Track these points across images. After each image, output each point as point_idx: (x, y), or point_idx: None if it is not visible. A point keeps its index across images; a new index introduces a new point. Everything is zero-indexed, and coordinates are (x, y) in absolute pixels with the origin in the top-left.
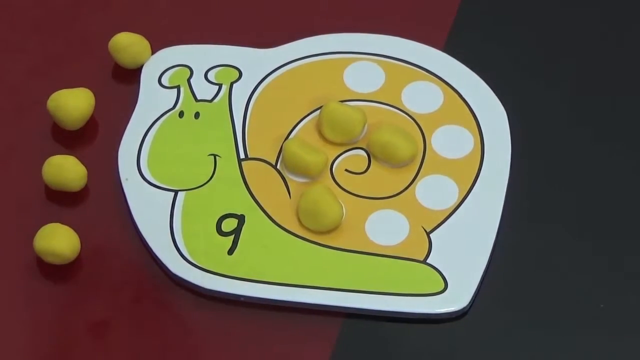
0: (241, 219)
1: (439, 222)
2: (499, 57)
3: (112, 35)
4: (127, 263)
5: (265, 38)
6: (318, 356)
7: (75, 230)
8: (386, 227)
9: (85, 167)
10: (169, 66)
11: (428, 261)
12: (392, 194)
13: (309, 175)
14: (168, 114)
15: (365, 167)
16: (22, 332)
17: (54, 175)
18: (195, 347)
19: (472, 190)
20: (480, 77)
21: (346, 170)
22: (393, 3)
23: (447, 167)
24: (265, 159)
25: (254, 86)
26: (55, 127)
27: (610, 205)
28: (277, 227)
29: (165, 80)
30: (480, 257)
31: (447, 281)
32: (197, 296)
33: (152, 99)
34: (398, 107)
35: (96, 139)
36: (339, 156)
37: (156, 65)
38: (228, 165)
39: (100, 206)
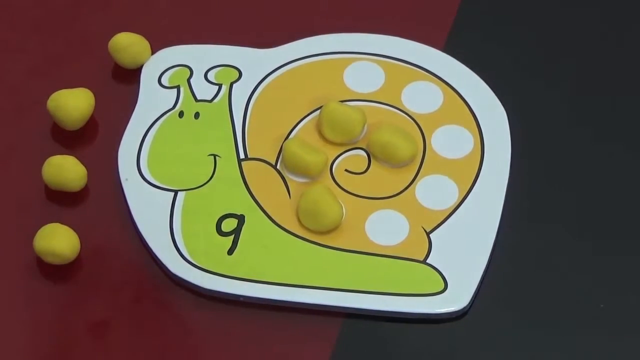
0: (241, 219)
1: (439, 222)
2: (499, 57)
3: (112, 35)
4: (127, 263)
5: (265, 38)
6: (318, 356)
7: (75, 230)
8: (386, 227)
9: (85, 167)
10: (168, 66)
11: (428, 261)
12: (392, 194)
13: (309, 175)
14: (168, 114)
15: (365, 167)
16: (22, 332)
17: (54, 175)
18: (195, 347)
19: (472, 190)
20: (480, 77)
21: (346, 170)
22: (393, 3)
23: (447, 167)
24: (265, 159)
25: (254, 86)
26: (55, 127)
27: (610, 205)
28: (277, 227)
29: (165, 80)
30: (480, 257)
31: (447, 281)
32: (197, 296)
33: (152, 99)
34: (398, 107)
35: (96, 139)
36: (339, 156)
37: (156, 65)
38: (228, 165)
39: (100, 206)
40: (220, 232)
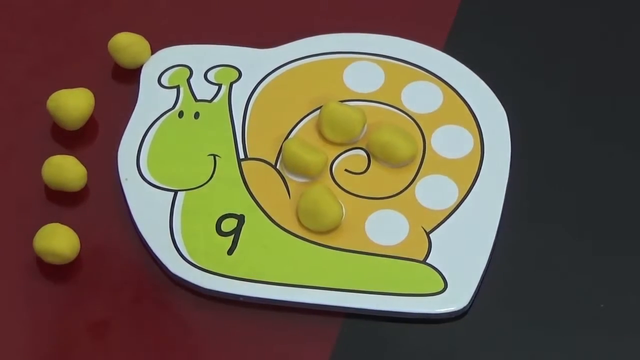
0: (241, 219)
1: (439, 222)
2: (499, 57)
3: (112, 35)
4: (127, 263)
5: (265, 38)
6: (318, 356)
7: (75, 230)
8: (386, 227)
9: (85, 167)
10: (168, 66)
11: (428, 261)
12: (392, 194)
13: (309, 175)
14: (168, 114)
15: (365, 167)
16: (22, 332)
17: (54, 175)
18: (195, 347)
19: (472, 190)
20: (480, 77)
21: (346, 170)
22: (393, 3)
23: (447, 167)
24: (265, 159)
25: (253, 86)
26: (55, 127)
27: (610, 205)
28: (277, 227)
29: (165, 80)
30: (480, 257)
31: (447, 281)
32: (197, 296)
33: (151, 99)
34: (398, 107)
35: (96, 139)
36: (338, 156)
37: (156, 65)
38: (228, 165)
39: (100, 206)
40: (220, 232)
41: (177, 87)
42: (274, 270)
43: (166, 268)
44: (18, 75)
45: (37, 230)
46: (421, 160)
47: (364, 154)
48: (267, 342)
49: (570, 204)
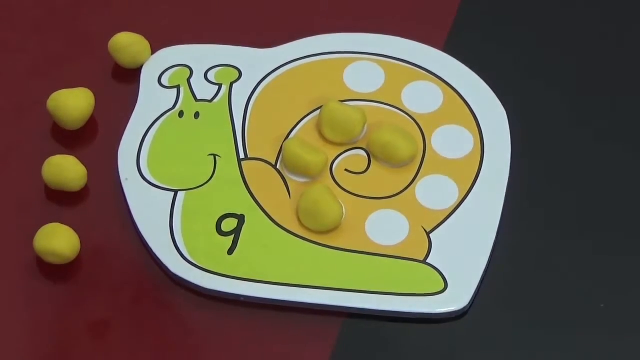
0: (241, 219)
1: (439, 222)
2: (499, 57)
3: (112, 35)
4: (127, 263)
5: (265, 38)
6: (318, 356)
7: (75, 230)
8: (386, 227)
9: (85, 167)
10: (169, 66)
11: (428, 261)
12: (392, 194)
13: (309, 175)
14: (168, 113)
15: (365, 167)
16: (22, 332)
17: (54, 175)
18: (195, 347)
19: (472, 190)
20: (480, 77)
21: (346, 170)
22: (393, 3)
23: (447, 167)
24: (265, 159)
25: (253, 86)
26: (55, 127)
27: (611, 205)
28: (277, 227)
29: (165, 80)
30: (480, 257)
31: (447, 281)
32: (197, 296)
33: (152, 99)
34: (398, 107)
35: (96, 139)
36: (339, 156)
37: (156, 65)
38: (228, 165)
39: (100, 206)
40: (220, 232)
41: (178, 87)
42: (274, 270)
43: (166, 268)
44: (18, 75)
45: (37, 230)
46: (421, 160)
47: (364, 154)
48: (267, 342)
49: (570, 203)
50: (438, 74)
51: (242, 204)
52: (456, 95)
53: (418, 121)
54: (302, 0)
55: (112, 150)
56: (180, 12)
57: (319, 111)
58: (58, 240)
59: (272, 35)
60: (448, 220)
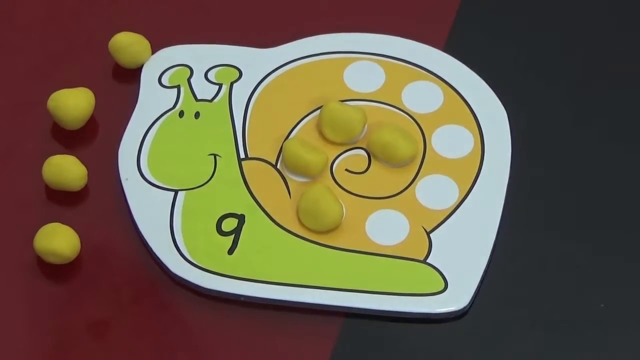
0: (241, 218)
1: (439, 222)
2: (499, 57)
3: (112, 35)
4: (127, 263)
5: (265, 38)
6: (318, 356)
7: (75, 230)
8: (386, 227)
9: (85, 167)
10: (169, 66)
11: (428, 261)
12: (392, 194)
13: (309, 175)
14: (168, 113)
15: (366, 167)
16: (22, 332)
17: (54, 175)
18: (195, 347)
19: (472, 190)
20: (480, 77)
21: (346, 170)
22: (393, 3)
23: (447, 167)
24: (266, 158)
25: (254, 86)
26: (55, 127)
27: (611, 205)
28: (277, 226)
29: (165, 80)
30: (480, 257)
31: (447, 281)
32: (197, 296)
33: (152, 99)
34: (398, 107)
35: (96, 139)
36: (339, 156)
37: (156, 65)
38: (228, 165)
39: (100, 206)
40: (220, 231)
41: (178, 87)
42: (274, 270)
43: (166, 268)
44: (18, 75)
45: (37, 230)
46: (421, 160)
47: (365, 153)
48: (268, 341)
49: (571, 204)
50: (438, 74)
51: (242, 203)
52: (456, 95)
53: (418, 121)
54: (302, 0)
55: (112, 150)
56: (180, 12)
57: (319, 111)
58: (58, 240)
59: (272, 35)
60: (448, 220)
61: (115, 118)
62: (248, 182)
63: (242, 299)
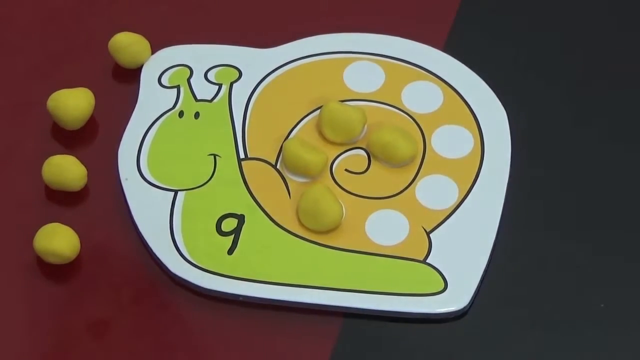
0: (241, 218)
1: (439, 222)
2: (499, 57)
3: (112, 35)
4: (127, 263)
5: (265, 38)
6: (318, 356)
7: (75, 230)
8: (386, 227)
9: (85, 167)
10: (169, 66)
11: (428, 261)
12: (392, 194)
13: (309, 175)
14: (168, 113)
15: (365, 167)
16: (22, 332)
17: (54, 175)
18: (195, 347)
19: (472, 190)
20: (480, 77)
21: (346, 170)
22: (393, 3)
23: (447, 167)
24: (265, 158)
25: (253, 86)
26: (55, 127)
27: (611, 205)
28: (277, 227)
29: (165, 80)
30: (480, 257)
31: (447, 281)
32: (197, 296)
33: (152, 99)
34: (398, 107)
35: (96, 139)
36: (339, 156)
37: (156, 65)
38: (228, 165)
39: (100, 206)
40: (220, 231)
41: (178, 87)
42: (274, 270)
43: (166, 268)
44: (18, 75)
45: (37, 230)
46: (421, 160)
47: (364, 153)
48: (267, 342)
49: (571, 203)
50: (438, 74)
51: (242, 203)
52: (456, 95)
53: (418, 121)
54: (302, 0)
55: (112, 150)
56: (180, 12)
57: (319, 111)
58: (58, 240)
59: (272, 35)
60: (448, 220)
61: (115, 118)
62: (248, 182)
63: (241, 299)
